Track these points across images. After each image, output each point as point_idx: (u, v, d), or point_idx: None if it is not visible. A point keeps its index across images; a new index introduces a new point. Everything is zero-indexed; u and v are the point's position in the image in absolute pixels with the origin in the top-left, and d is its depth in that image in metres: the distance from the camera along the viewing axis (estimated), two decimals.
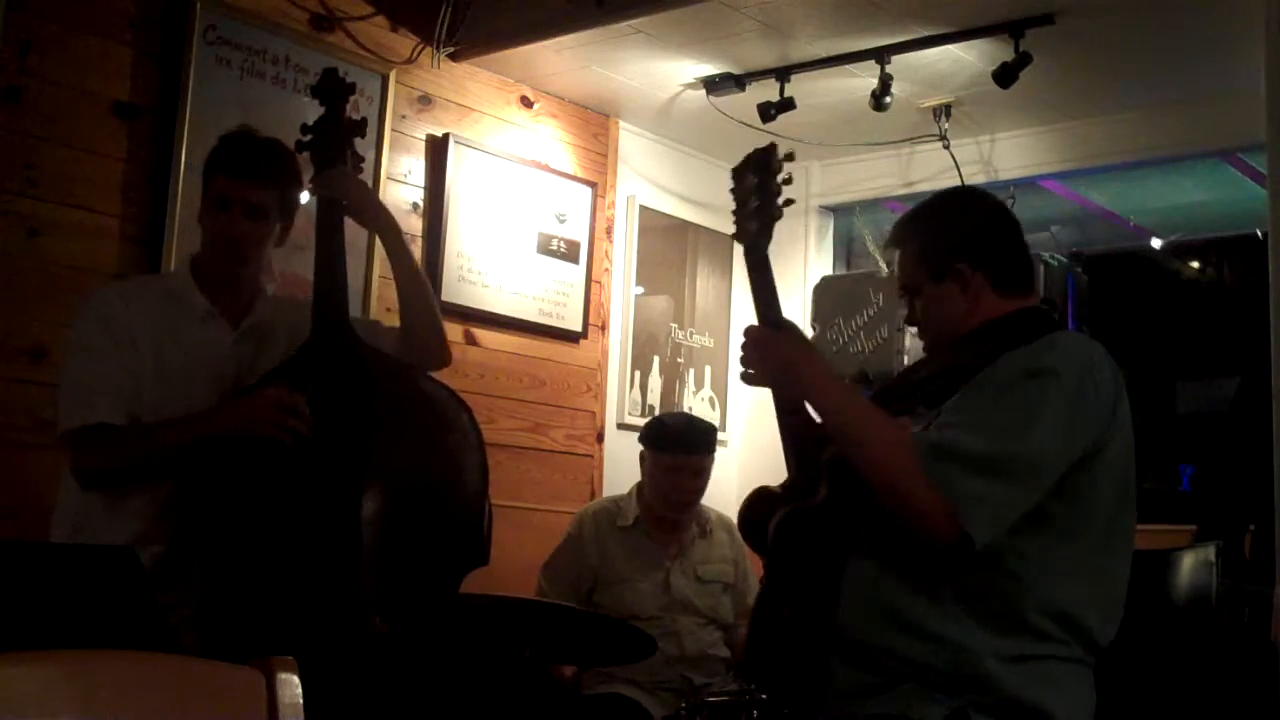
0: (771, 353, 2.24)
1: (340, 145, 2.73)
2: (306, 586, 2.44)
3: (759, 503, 2.32)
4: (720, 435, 4.19)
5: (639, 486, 3.80)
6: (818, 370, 2.20)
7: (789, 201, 2.36)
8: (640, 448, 3.80)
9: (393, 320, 2.92)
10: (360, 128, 2.78)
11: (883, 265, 4.95)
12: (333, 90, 2.76)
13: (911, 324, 2.35)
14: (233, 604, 2.47)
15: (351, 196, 2.75)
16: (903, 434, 2.05)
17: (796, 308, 5.04)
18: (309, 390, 2.54)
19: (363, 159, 2.82)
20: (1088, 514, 2.07)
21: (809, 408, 2.22)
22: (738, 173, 2.42)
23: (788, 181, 2.36)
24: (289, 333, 2.71)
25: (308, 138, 2.74)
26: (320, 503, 2.48)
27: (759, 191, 2.36)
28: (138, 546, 2.38)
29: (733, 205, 2.43)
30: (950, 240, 2.26)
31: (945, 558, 2.01)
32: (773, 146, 2.39)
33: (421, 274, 2.89)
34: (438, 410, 2.66)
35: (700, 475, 3.71)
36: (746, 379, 2.29)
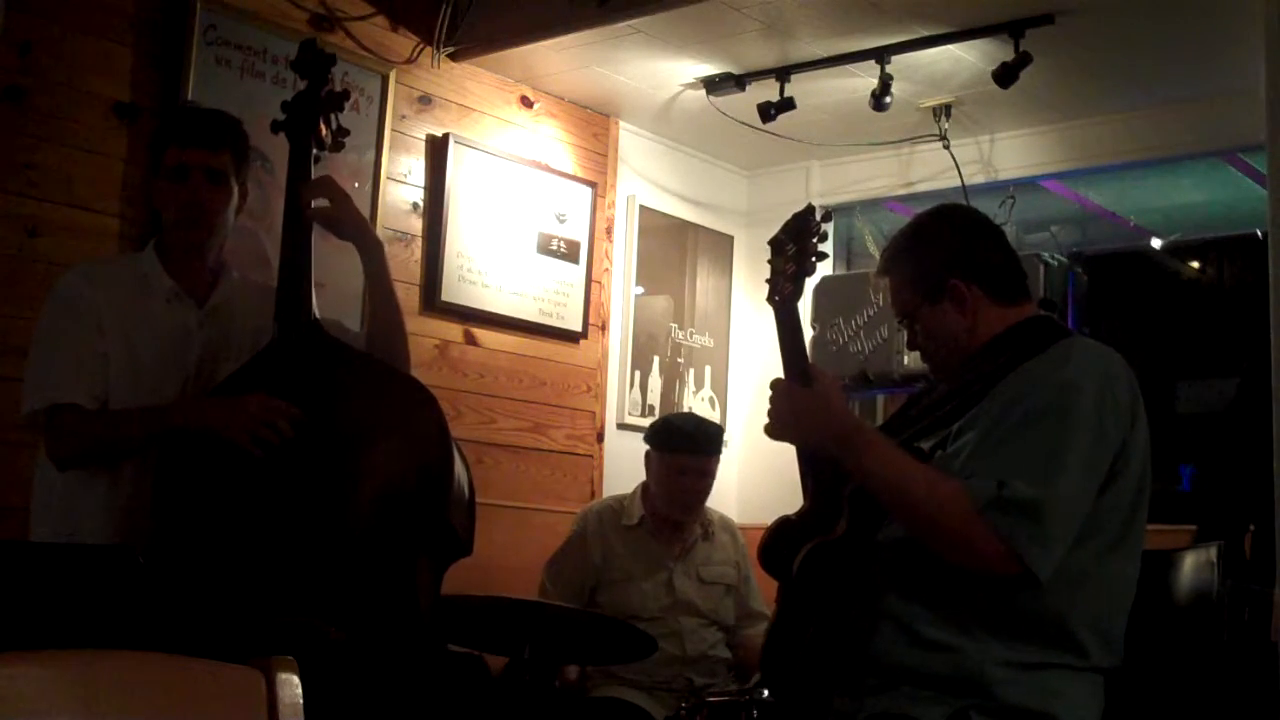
0: (803, 413, 2.18)
1: (315, 120, 2.66)
2: (263, 596, 2.39)
3: (780, 535, 2.32)
4: None
5: (644, 486, 3.79)
6: (854, 430, 2.14)
7: (822, 255, 2.36)
8: (645, 448, 3.79)
9: None
10: (338, 101, 2.70)
11: None
12: (311, 63, 2.70)
13: (914, 349, 2.35)
14: (198, 602, 2.42)
15: (334, 200, 2.67)
16: (951, 485, 2.02)
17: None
18: (273, 383, 2.51)
19: (347, 131, 2.71)
20: (1104, 524, 2.08)
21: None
22: (776, 243, 2.39)
23: (824, 237, 2.36)
24: (253, 318, 2.68)
25: (284, 116, 2.68)
26: (279, 507, 2.44)
27: (797, 256, 2.35)
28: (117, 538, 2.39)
29: (768, 269, 2.41)
30: (939, 258, 2.25)
31: (1003, 588, 2.02)
32: (810, 209, 2.37)
33: (395, 297, 2.80)
34: (397, 402, 2.60)
35: (706, 476, 3.71)
36: (770, 432, 2.22)
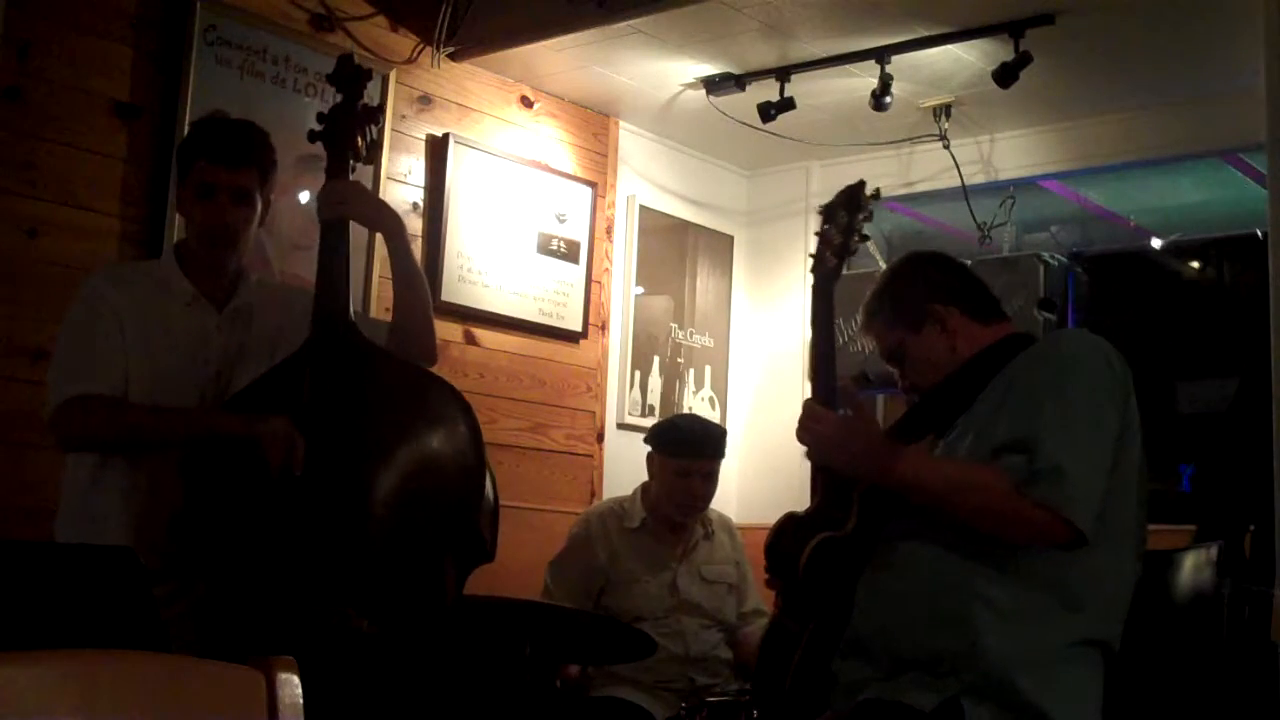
0: (840, 442, 2.19)
1: (353, 131, 2.73)
2: (299, 587, 2.43)
3: (787, 531, 2.35)
4: None
5: (644, 487, 3.79)
6: (889, 455, 2.16)
7: (865, 237, 2.43)
8: (646, 449, 3.78)
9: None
10: (374, 115, 2.79)
11: (882, 265, 4.95)
12: (348, 77, 2.77)
13: (910, 390, 2.40)
14: (230, 602, 2.47)
15: (354, 206, 2.76)
16: (991, 474, 2.09)
17: (797, 307, 5.04)
18: (306, 389, 2.54)
19: (379, 144, 2.82)
20: (1112, 499, 2.10)
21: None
22: (829, 209, 2.48)
23: (869, 217, 2.42)
24: (275, 317, 2.73)
25: (321, 126, 2.75)
26: (316, 505, 2.47)
27: (845, 230, 2.42)
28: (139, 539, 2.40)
29: (815, 240, 2.51)
30: (914, 291, 2.36)
31: (1058, 552, 2.08)
32: (862, 184, 2.46)
33: (421, 276, 2.88)
34: (434, 407, 2.64)
35: (712, 478, 3.71)
36: (810, 458, 2.27)
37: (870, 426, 2.23)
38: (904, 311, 2.35)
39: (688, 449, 3.65)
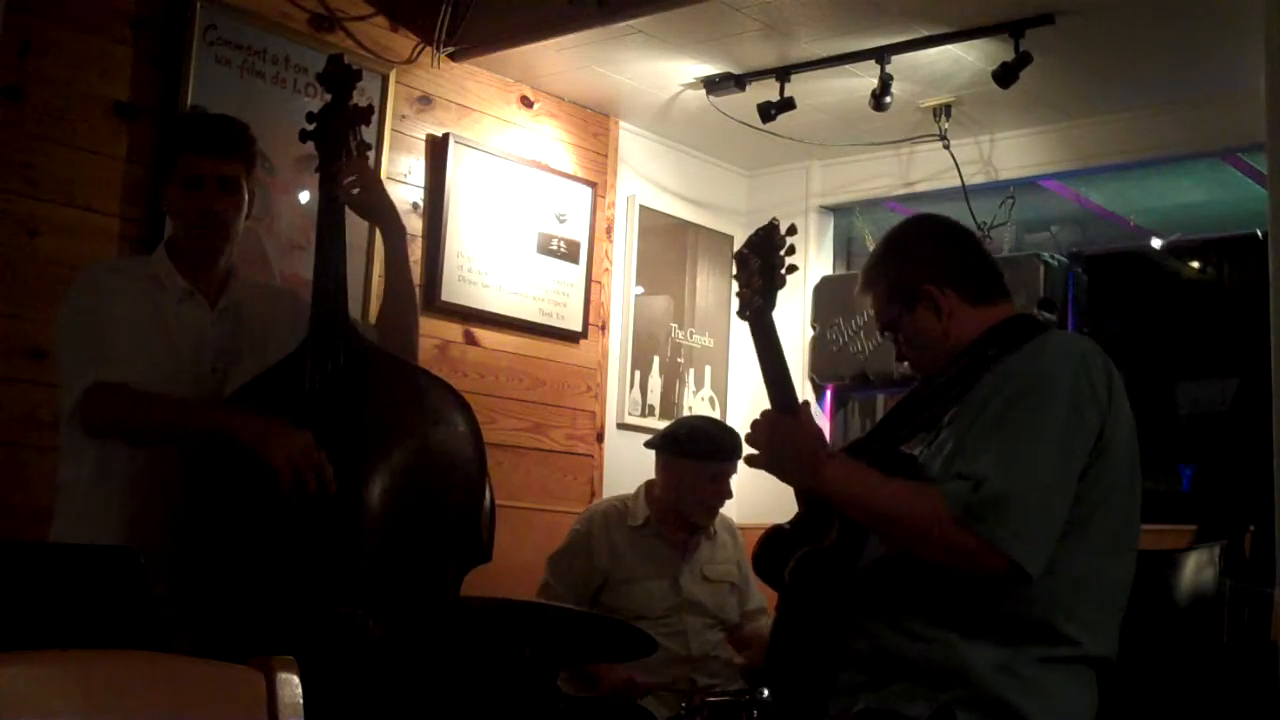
0: (782, 446, 2.17)
1: (344, 132, 2.73)
2: (301, 588, 2.43)
3: (773, 543, 2.34)
4: None
5: (647, 486, 3.79)
6: (830, 465, 2.14)
7: (792, 269, 2.37)
8: (654, 453, 3.75)
9: None
10: (365, 115, 2.78)
11: None
12: (338, 77, 2.77)
13: (901, 360, 2.37)
14: (228, 603, 2.47)
15: (371, 195, 2.76)
16: (930, 498, 2.04)
17: (796, 308, 5.03)
18: (307, 388, 2.54)
19: (370, 146, 2.82)
20: (1092, 516, 2.08)
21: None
22: (740, 258, 2.41)
23: (790, 251, 2.37)
24: (264, 316, 2.74)
25: (312, 126, 2.75)
26: (316, 506, 2.46)
27: (762, 270, 2.37)
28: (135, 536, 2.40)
29: (735, 273, 2.42)
30: (912, 267, 2.29)
31: (990, 588, 2.03)
32: (774, 225, 2.39)
33: (412, 282, 2.89)
34: (435, 408, 2.65)
35: (728, 479, 3.73)
36: (752, 463, 2.23)
37: (795, 437, 2.16)
38: (898, 289, 2.29)
39: (719, 451, 3.65)
